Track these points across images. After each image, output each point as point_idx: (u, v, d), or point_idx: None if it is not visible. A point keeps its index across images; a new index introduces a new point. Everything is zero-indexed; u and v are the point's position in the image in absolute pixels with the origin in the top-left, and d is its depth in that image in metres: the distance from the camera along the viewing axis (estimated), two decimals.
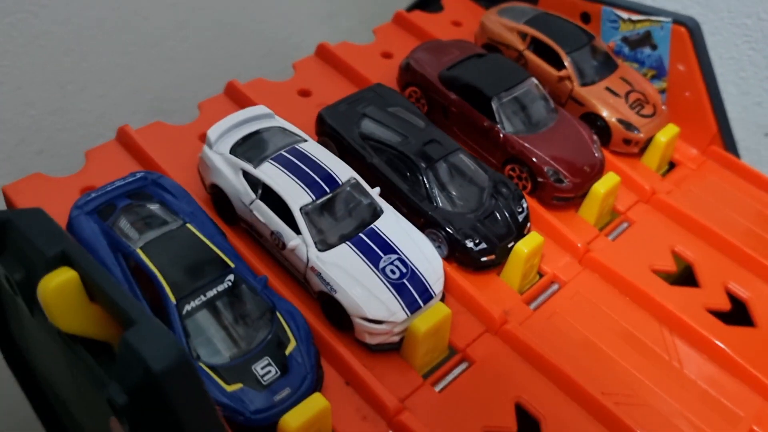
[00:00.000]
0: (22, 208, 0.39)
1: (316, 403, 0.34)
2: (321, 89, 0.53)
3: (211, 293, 0.35)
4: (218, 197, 0.42)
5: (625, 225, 0.49)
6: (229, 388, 0.33)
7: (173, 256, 0.36)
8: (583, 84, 0.52)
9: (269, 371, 0.34)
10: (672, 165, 0.54)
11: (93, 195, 0.40)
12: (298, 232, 0.39)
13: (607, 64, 0.53)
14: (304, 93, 0.53)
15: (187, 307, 0.34)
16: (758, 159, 0.69)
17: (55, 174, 0.47)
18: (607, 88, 0.52)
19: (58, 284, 0.32)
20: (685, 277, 0.47)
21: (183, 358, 0.28)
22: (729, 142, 0.53)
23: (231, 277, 0.36)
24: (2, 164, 0.67)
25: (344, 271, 0.37)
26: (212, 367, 0.34)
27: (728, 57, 0.66)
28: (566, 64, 0.52)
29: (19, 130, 0.69)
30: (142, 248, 0.36)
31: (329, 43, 0.55)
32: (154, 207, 0.39)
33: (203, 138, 0.48)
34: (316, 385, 0.35)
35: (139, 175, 0.41)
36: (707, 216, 0.49)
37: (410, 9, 0.64)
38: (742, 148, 0.57)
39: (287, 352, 0.35)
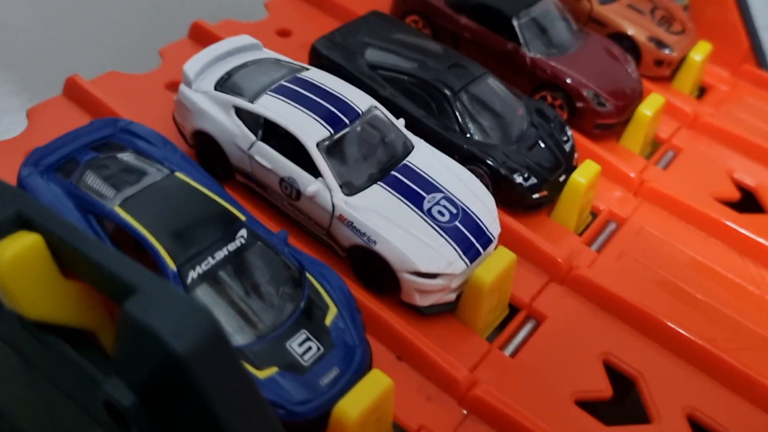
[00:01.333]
0: None
1: (376, 382, 0.26)
2: (301, 28, 0.45)
3: (220, 254, 0.27)
4: (205, 146, 0.34)
5: (671, 153, 0.43)
6: (261, 375, 0.25)
7: (164, 213, 0.27)
8: (603, 2, 0.46)
9: (309, 348, 0.26)
10: (702, 89, 0.48)
11: (47, 149, 0.31)
12: (316, 174, 0.31)
13: None
14: (283, 33, 0.45)
15: (192, 274, 0.26)
16: None
17: None
18: (630, 5, 0.46)
19: (17, 252, 0.23)
20: (747, 203, 0.42)
21: (214, 330, 0.20)
22: (762, 60, 0.48)
23: (243, 232, 0.28)
24: None
25: (383, 216, 0.30)
26: (236, 350, 0.26)
27: None
28: None
29: None
30: (121, 205, 0.28)
31: None
32: (128, 157, 0.31)
33: (171, 86, 0.40)
34: (369, 362, 0.28)
35: (103, 123, 0.33)
36: (757, 136, 0.44)
37: None
38: None
39: (327, 322, 0.27)
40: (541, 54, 0.42)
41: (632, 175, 0.40)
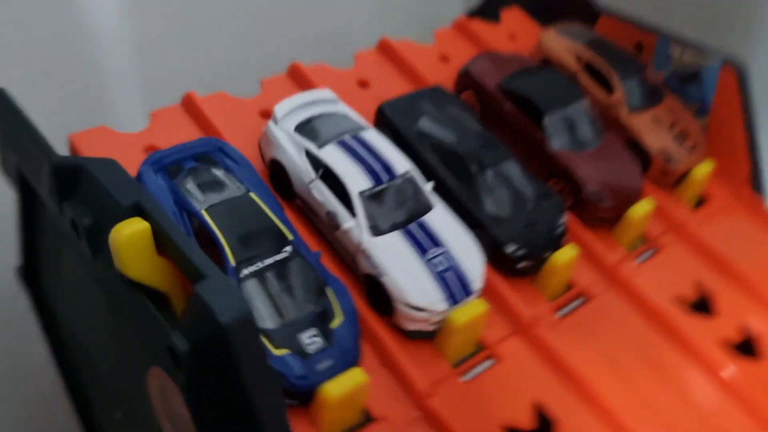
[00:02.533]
0: (96, 157, 0.40)
1: (356, 376, 0.35)
2: (380, 83, 0.54)
3: (268, 261, 0.36)
4: (277, 172, 0.43)
5: (651, 251, 0.50)
6: (276, 352, 0.35)
7: (235, 222, 0.37)
8: (632, 110, 0.54)
9: (315, 342, 0.36)
10: (701, 199, 0.55)
11: (163, 153, 0.41)
12: (353, 214, 0.40)
13: (656, 95, 0.54)
14: (363, 84, 0.54)
15: (245, 271, 0.36)
16: None
17: (120, 129, 0.48)
18: (654, 117, 0.54)
19: (131, 233, 0.33)
20: (702, 306, 0.48)
21: (249, 315, 0.29)
22: (758, 186, 0.54)
23: (289, 248, 0.37)
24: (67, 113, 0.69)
25: (393, 257, 0.39)
26: (262, 331, 0.35)
27: None
28: (617, 89, 0.53)
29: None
30: (206, 210, 0.38)
31: (391, 39, 0.56)
32: (218, 172, 0.40)
33: (264, 113, 0.50)
34: (357, 362, 0.37)
35: (206, 140, 0.43)
36: (733, 252, 0.51)
37: (471, 15, 0.65)
38: None
39: (333, 326, 0.36)
40: (562, 147, 0.50)
41: (609, 263, 0.48)
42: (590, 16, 0.61)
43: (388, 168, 0.42)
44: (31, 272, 0.55)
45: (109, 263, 0.36)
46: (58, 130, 0.50)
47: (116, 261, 0.35)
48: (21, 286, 0.58)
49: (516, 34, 0.64)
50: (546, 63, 0.57)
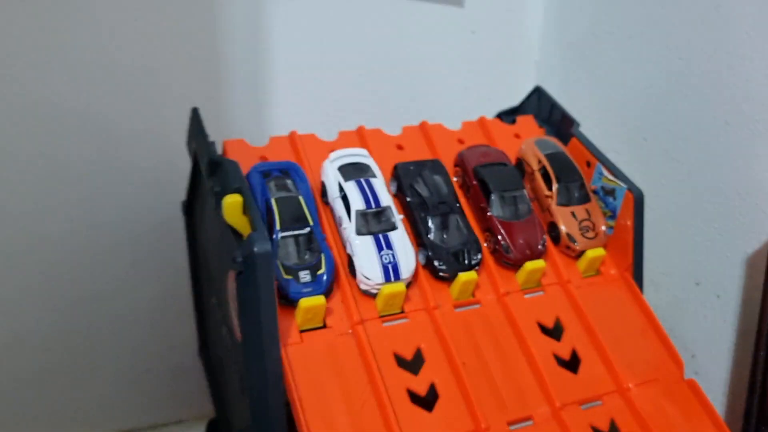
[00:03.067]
0: (227, 158, 0.74)
1: (320, 300, 0.66)
2: (410, 149, 0.85)
3: (295, 232, 0.69)
4: (323, 189, 0.76)
5: (540, 293, 0.77)
6: (285, 276, 0.67)
7: (285, 209, 0.70)
8: (559, 204, 0.81)
9: (306, 277, 0.67)
10: (597, 272, 0.81)
11: (264, 164, 0.75)
12: (350, 221, 0.72)
13: (582, 198, 0.81)
14: (400, 147, 0.85)
15: (282, 234, 0.68)
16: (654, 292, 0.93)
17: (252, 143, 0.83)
18: (572, 213, 0.81)
19: (232, 201, 0.66)
20: (553, 333, 0.75)
21: (268, 251, 0.62)
22: (636, 276, 0.80)
23: (308, 229, 0.70)
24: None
25: (363, 248, 0.70)
26: (283, 264, 0.67)
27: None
28: (553, 189, 0.81)
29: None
30: (275, 198, 0.71)
31: (428, 122, 0.87)
32: (288, 181, 0.73)
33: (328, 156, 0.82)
34: (327, 294, 0.68)
35: (289, 162, 0.76)
36: (594, 310, 0.77)
37: (496, 116, 0.95)
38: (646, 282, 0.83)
39: (318, 273, 0.68)
40: (496, 215, 0.78)
41: (501, 290, 0.76)
42: (568, 136, 0.89)
43: (377, 201, 0.73)
44: (189, 208, 0.92)
45: (221, 212, 0.70)
46: (225, 132, 0.85)
47: (223, 212, 0.69)
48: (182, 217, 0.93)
49: (520, 135, 0.92)
50: (519, 160, 0.86)
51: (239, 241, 0.63)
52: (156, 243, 1.02)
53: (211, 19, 0.95)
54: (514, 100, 0.98)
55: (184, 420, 1.16)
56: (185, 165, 0.79)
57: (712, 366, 0.85)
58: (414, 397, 0.65)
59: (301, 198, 0.70)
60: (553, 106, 0.90)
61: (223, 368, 0.86)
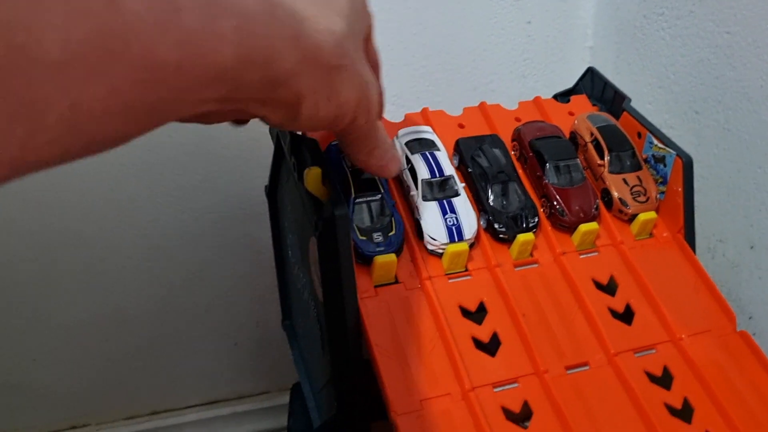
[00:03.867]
0: (308, 137, 0.83)
1: (392, 257, 0.73)
2: (471, 127, 0.92)
3: (368, 198, 0.76)
4: None
5: (595, 253, 0.82)
6: (360, 237, 0.75)
7: (359, 178, 0.78)
8: (611, 172, 0.86)
9: (379, 238, 0.75)
10: (650, 235, 0.86)
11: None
12: (417, 188, 0.79)
13: (634, 165, 0.86)
14: (461, 126, 0.92)
15: (357, 200, 0.76)
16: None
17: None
18: (624, 179, 0.85)
19: (314, 173, 0.75)
20: (607, 289, 0.80)
21: (346, 215, 0.69)
22: (688, 237, 0.84)
23: (379, 195, 0.77)
24: None
25: (428, 212, 0.77)
26: (359, 227, 0.74)
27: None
28: (605, 158, 0.86)
29: None
30: (350, 171, 0.79)
31: (486, 103, 0.94)
32: None
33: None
34: (397, 253, 0.75)
35: None
36: (646, 269, 0.81)
37: (554, 96, 1.00)
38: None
39: (390, 234, 0.75)
40: (551, 182, 0.83)
41: (559, 250, 0.81)
42: (620, 112, 0.93)
43: (441, 171, 0.80)
44: (272, 191, 1.01)
45: (303, 183, 0.79)
46: None
47: (306, 182, 0.77)
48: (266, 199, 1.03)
49: (574, 112, 0.97)
50: (573, 134, 0.91)
51: (320, 207, 0.71)
52: (242, 226, 1.12)
53: None
54: (573, 75, 1.03)
55: (269, 391, 1.25)
56: (267, 152, 0.88)
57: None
58: (478, 344, 0.71)
59: None
60: (606, 84, 0.95)
61: (305, 333, 0.94)
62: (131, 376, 1.18)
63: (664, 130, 0.91)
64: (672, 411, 0.70)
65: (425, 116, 0.89)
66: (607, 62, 1.10)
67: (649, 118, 0.91)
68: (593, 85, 0.98)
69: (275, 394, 1.25)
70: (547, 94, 1.04)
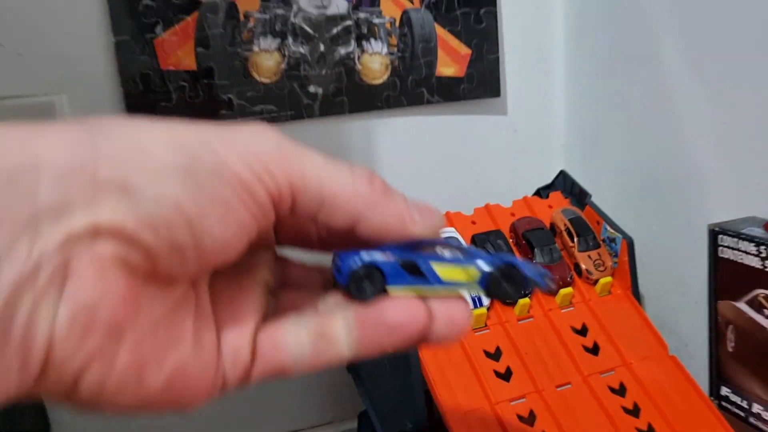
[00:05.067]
0: None
1: None
2: (480, 223, 1.30)
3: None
4: None
5: (571, 308, 1.20)
6: None
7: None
8: (579, 251, 1.24)
9: None
10: (609, 292, 1.24)
11: None
12: None
13: (595, 245, 1.23)
14: (474, 223, 1.30)
15: None
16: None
17: None
18: (588, 255, 1.23)
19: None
20: (580, 332, 1.17)
21: None
22: (635, 293, 1.22)
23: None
24: None
25: None
26: None
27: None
28: (575, 241, 1.24)
29: None
30: None
31: (491, 204, 1.32)
32: None
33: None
34: None
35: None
36: (607, 318, 1.19)
37: (535, 192, 1.39)
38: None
39: None
40: (539, 261, 1.21)
41: (547, 307, 1.18)
42: (584, 204, 1.32)
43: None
44: None
45: None
46: None
47: None
48: None
49: (552, 205, 1.35)
50: (552, 224, 1.30)
51: None
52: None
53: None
54: (549, 175, 1.42)
55: (337, 419, 1.61)
56: None
57: (699, 350, 1.26)
58: (497, 374, 1.08)
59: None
60: (573, 183, 1.34)
61: (370, 372, 1.31)
62: (208, 410, 1.51)
63: (617, 213, 1.30)
64: (627, 411, 1.07)
65: (448, 218, 1.28)
66: (575, 159, 1.50)
67: (606, 204, 1.30)
68: (565, 182, 1.38)
69: (344, 422, 1.61)
70: (532, 184, 1.43)
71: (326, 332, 0.35)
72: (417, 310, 0.36)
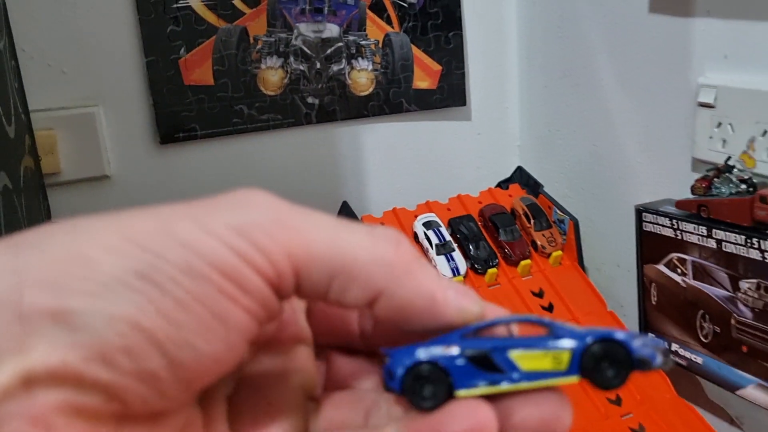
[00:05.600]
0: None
1: None
2: (454, 210, 1.56)
3: None
4: (414, 236, 1.48)
5: (529, 276, 1.47)
6: None
7: None
8: (535, 230, 1.51)
9: None
10: (560, 263, 1.51)
11: None
12: (432, 248, 1.43)
13: (547, 225, 1.50)
14: (449, 209, 1.56)
15: None
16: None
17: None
18: (542, 234, 1.51)
19: None
20: (539, 295, 1.45)
21: None
22: (581, 264, 1.50)
23: None
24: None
25: (439, 262, 1.41)
26: None
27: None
28: (531, 222, 1.52)
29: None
30: None
31: (461, 194, 1.58)
32: None
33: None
34: None
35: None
36: (559, 284, 1.46)
37: (497, 184, 1.66)
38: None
39: None
40: (504, 239, 1.48)
41: (509, 276, 1.46)
42: (538, 193, 1.60)
43: (444, 238, 1.42)
44: None
45: None
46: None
47: None
48: None
49: (512, 195, 1.62)
50: (512, 209, 1.57)
51: None
52: None
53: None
54: (508, 170, 1.70)
55: None
56: None
57: (630, 309, 1.55)
58: None
59: None
60: (528, 176, 1.62)
61: None
62: None
63: (564, 199, 1.58)
64: None
65: (428, 206, 1.54)
66: (529, 157, 1.78)
67: (555, 192, 1.58)
68: (521, 176, 1.65)
69: None
70: (494, 178, 1.70)
71: None
72: (483, 415, 0.26)
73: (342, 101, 1.38)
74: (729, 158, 1.05)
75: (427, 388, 0.28)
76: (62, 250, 0.21)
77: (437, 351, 0.29)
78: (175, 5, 1.34)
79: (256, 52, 1.41)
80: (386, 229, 0.28)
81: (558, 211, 1.45)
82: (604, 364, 0.29)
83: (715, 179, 1.03)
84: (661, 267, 1.24)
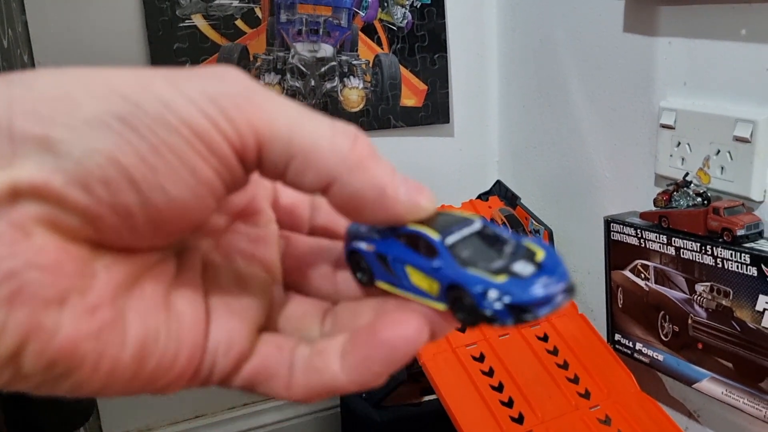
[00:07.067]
0: None
1: None
2: None
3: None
4: None
5: None
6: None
7: None
8: None
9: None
10: None
11: None
12: None
13: (525, 235, 1.63)
14: None
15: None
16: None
17: None
18: None
19: None
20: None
21: None
22: None
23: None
24: None
25: None
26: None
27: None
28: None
29: None
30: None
31: (445, 205, 1.68)
32: None
33: None
34: None
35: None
36: None
37: (478, 196, 1.76)
38: None
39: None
40: None
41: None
42: (515, 205, 1.70)
43: None
44: None
45: None
46: None
47: None
48: None
49: (492, 206, 1.72)
50: (492, 219, 1.66)
51: None
52: None
53: None
54: (488, 184, 1.80)
55: None
56: None
57: (599, 312, 1.65)
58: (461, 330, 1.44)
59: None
60: (507, 189, 1.72)
61: None
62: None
63: (540, 211, 1.69)
64: (549, 352, 1.44)
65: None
66: (507, 171, 1.88)
67: (532, 204, 1.68)
68: (500, 189, 1.75)
69: None
70: (475, 190, 1.80)
71: (323, 348, 0.29)
72: (416, 324, 0.28)
73: (334, 117, 1.46)
74: (687, 174, 1.15)
75: (359, 273, 0.32)
76: (49, 89, 0.23)
77: (363, 245, 0.31)
78: (181, 24, 1.42)
79: (255, 69, 1.50)
80: (348, 125, 0.29)
81: (534, 222, 1.55)
82: (458, 305, 0.28)
83: (675, 193, 1.12)
84: (627, 273, 1.35)
